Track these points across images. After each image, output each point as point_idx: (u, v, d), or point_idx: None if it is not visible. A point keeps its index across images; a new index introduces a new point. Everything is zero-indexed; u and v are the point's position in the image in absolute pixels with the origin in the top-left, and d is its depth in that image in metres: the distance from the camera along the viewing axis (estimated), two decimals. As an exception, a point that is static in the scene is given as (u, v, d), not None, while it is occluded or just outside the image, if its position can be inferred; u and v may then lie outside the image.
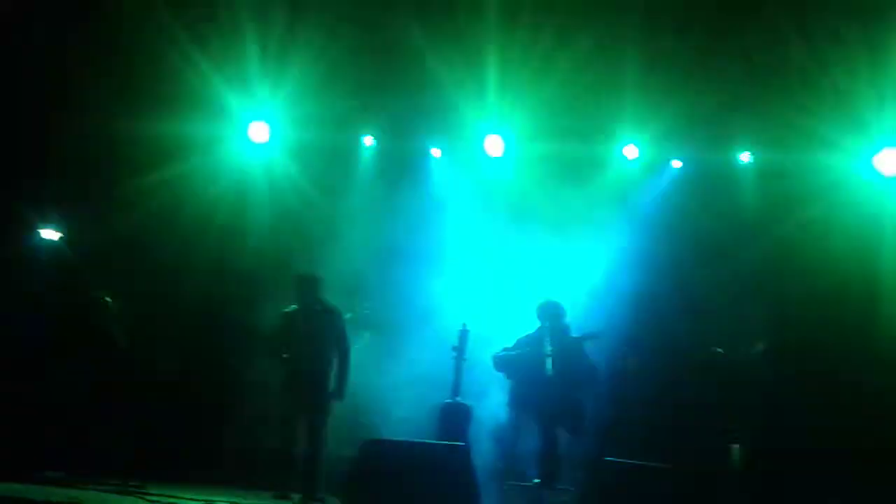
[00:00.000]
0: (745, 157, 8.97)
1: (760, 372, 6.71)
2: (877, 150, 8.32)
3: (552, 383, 6.49)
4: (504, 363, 7.05)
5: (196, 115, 8.62)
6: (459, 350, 7.08)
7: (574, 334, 7.09)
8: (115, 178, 8.62)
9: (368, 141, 9.43)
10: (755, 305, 6.86)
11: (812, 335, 6.95)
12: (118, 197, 8.60)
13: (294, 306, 7.02)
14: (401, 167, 9.36)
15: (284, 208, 8.86)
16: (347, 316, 8.18)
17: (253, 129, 9.03)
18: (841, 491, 7.21)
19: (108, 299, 6.95)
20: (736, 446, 6.71)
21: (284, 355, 6.81)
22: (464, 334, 7.14)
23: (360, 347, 8.29)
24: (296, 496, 6.63)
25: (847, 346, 7.78)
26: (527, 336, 7.10)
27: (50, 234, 8.75)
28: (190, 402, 8.05)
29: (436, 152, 9.46)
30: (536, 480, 6.57)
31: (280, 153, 9.16)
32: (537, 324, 7.12)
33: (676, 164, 9.16)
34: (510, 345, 7.14)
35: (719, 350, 7.04)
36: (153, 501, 4.32)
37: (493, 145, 9.05)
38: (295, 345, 6.84)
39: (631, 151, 9.00)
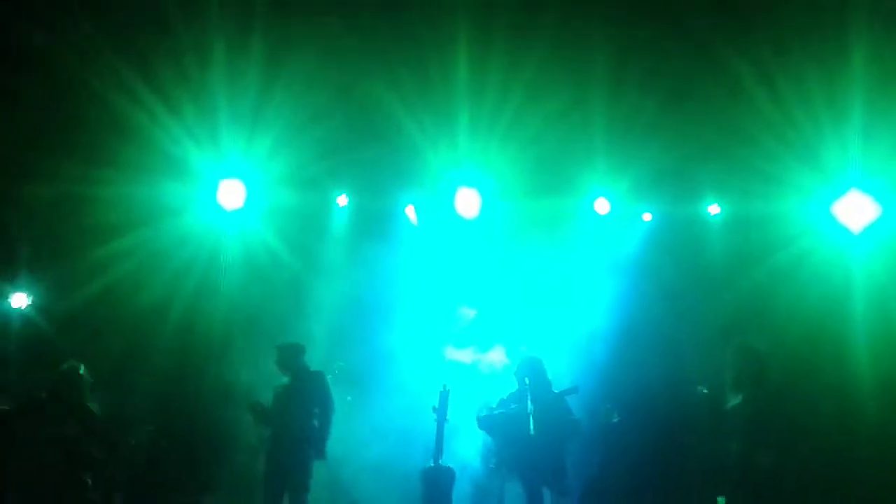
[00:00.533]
0: (713, 210, 9.15)
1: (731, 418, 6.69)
2: (839, 195, 8.55)
3: (535, 442, 6.42)
4: (488, 423, 6.99)
5: (165, 176, 8.53)
6: (440, 411, 7.00)
7: (555, 390, 7.05)
8: (82, 243, 8.46)
9: (342, 200, 9.45)
10: (730, 353, 6.84)
11: (784, 382, 6.96)
12: (86, 262, 8.42)
13: (286, 380, 7.01)
14: (375, 225, 9.37)
15: (256, 270, 8.78)
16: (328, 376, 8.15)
17: (223, 190, 8.99)
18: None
19: (81, 371, 6.75)
20: (722, 499, 6.65)
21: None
22: (444, 395, 7.08)
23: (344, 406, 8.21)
24: None
25: (819, 393, 7.87)
26: (509, 395, 7.06)
27: (19, 300, 8.55)
28: (169, 469, 7.84)
29: (410, 210, 9.50)
30: (524, 543, 6.47)
31: (252, 213, 9.11)
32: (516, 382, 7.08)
33: (647, 216, 9.32)
34: (493, 404, 7.08)
35: (704, 390, 7.01)
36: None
37: (467, 203, 9.15)
38: (283, 412, 6.80)
39: (602, 206, 9.14)
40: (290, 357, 7.01)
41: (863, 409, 7.95)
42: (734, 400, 6.63)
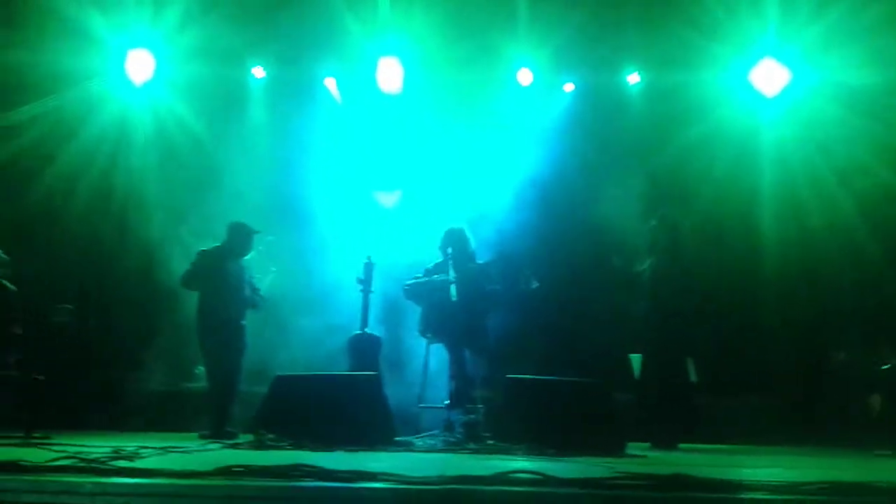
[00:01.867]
0: (633, 79, 9.20)
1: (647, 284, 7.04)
2: (754, 62, 8.68)
3: (457, 308, 6.64)
4: (414, 292, 7.17)
5: (68, 43, 8.09)
6: (365, 282, 7.13)
7: (479, 260, 7.24)
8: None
9: (259, 72, 9.16)
10: (647, 223, 7.14)
11: (698, 250, 7.31)
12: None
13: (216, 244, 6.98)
14: (294, 99, 9.16)
15: (169, 146, 8.49)
16: (251, 253, 8.15)
17: (132, 61, 8.62)
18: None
19: None
20: (637, 356, 7.08)
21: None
22: (369, 266, 7.18)
23: (268, 283, 8.26)
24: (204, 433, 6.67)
25: (730, 261, 8.29)
26: (434, 265, 7.22)
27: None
28: (90, 348, 7.86)
29: (330, 82, 9.29)
30: (447, 402, 6.78)
31: (162, 87, 8.78)
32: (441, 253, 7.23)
33: (569, 86, 9.33)
34: (419, 274, 7.24)
35: (618, 262, 7.34)
36: (60, 451, 4.23)
37: (389, 75, 8.99)
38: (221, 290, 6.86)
39: (525, 76, 9.10)
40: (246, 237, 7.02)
41: (766, 273, 8.43)
42: (646, 264, 7.02)
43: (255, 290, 7.22)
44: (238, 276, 7.04)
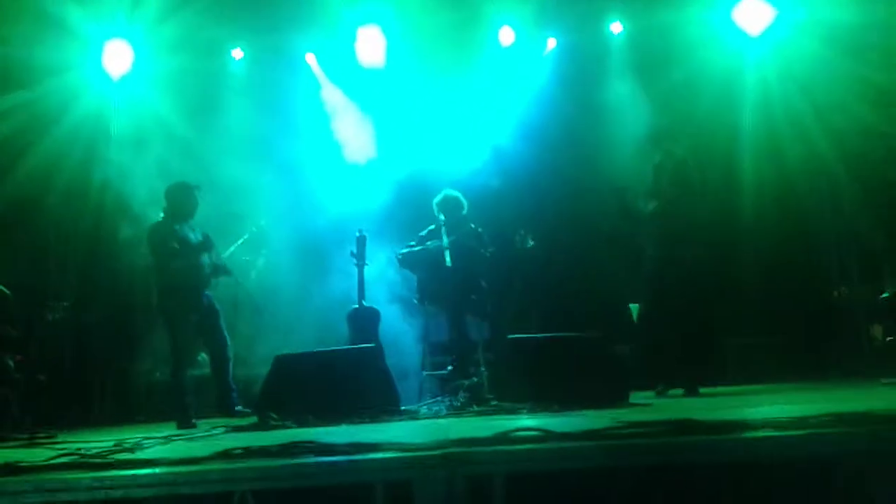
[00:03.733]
0: (616, 28, 9.06)
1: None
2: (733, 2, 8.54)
3: (453, 273, 6.59)
4: (408, 260, 7.12)
5: (43, 33, 7.96)
6: (359, 256, 7.07)
7: (473, 225, 7.17)
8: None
9: (237, 54, 9.04)
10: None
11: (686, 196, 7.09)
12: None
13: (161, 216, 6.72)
14: (275, 78, 9.04)
15: (148, 140, 8.28)
16: (244, 237, 8.09)
17: (109, 53, 8.50)
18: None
19: None
20: (634, 305, 7.01)
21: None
22: (361, 240, 7.12)
23: (259, 267, 8.23)
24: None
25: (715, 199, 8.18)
26: (427, 231, 7.16)
27: None
28: (89, 343, 7.83)
29: (310, 58, 9.16)
30: (450, 367, 6.76)
31: (140, 79, 8.66)
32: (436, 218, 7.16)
33: (551, 42, 9.20)
34: (412, 242, 7.18)
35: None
36: (62, 449, 4.21)
37: (369, 44, 8.86)
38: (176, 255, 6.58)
39: (507, 35, 8.96)
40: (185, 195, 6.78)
41: (748, 210, 8.35)
42: (651, 205, 6.79)
43: (218, 257, 6.94)
44: (193, 242, 6.68)
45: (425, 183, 7.88)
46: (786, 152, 8.32)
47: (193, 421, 6.46)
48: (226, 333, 6.77)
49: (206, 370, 7.00)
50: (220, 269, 6.88)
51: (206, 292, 6.73)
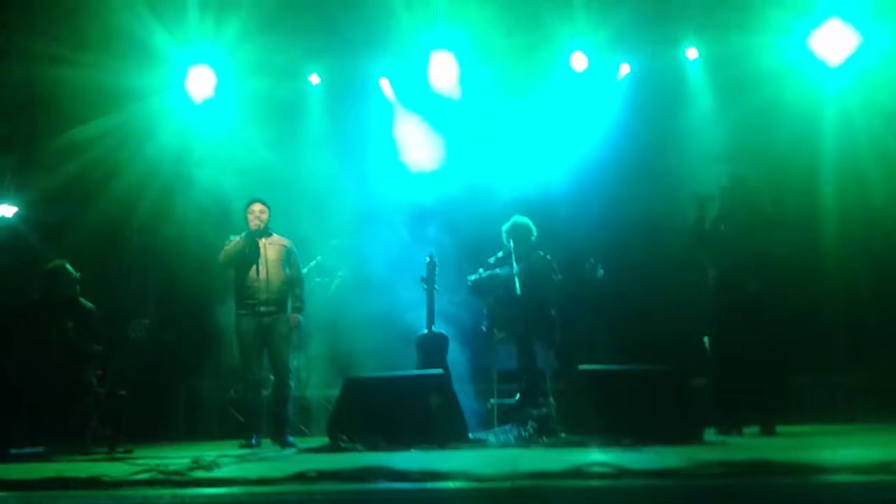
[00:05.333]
0: (691, 54, 8.96)
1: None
2: (813, 27, 8.36)
3: (522, 301, 6.56)
4: (478, 287, 7.11)
5: (132, 61, 8.30)
6: (429, 281, 7.10)
7: (542, 253, 7.13)
8: (38, 131, 8.29)
9: (314, 79, 9.26)
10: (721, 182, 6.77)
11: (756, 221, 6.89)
12: (43, 153, 8.26)
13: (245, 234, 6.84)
14: (349, 101, 9.23)
15: (230, 161, 8.52)
16: (318, 258, 8.22)
17: (193, 78, 8.83)
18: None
19: (68, 267, 6.80)
20: (706, 337, 6.83)
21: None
22: (431, 265, 7.15)
23: (335, 287, 8.34)
24: (265, 440, 6.72)
25: (790, 228, 7.94)
26: (496, 258, 7.15)
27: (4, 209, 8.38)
28: (160, 361, 8.04)
29: (384, 83, 9.33)
30: (518, 396, 6.72)
31: (223, 103, 8.95)
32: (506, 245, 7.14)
33: (625, 67, 9.15)
34: (481, 269, 7.18)
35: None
36: (141, 465, 4.33)
37: (442, 69, 8.97)
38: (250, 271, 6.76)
39: (579, 61, 8.95)
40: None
41: (829, 242, 8.09)
42: (720, 228, 6.58)
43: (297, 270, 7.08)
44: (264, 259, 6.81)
45: (495, 208, 7.90)
46: (870, 183, 8.07)
47: (257, 440, 6.59)
48: (288, 362, 6.84)
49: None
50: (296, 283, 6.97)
51: (279, 313, 6.82)
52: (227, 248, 6.85)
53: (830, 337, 8.06)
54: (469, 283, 7.17)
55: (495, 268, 7.08)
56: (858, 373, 7.74)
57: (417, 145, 9.11)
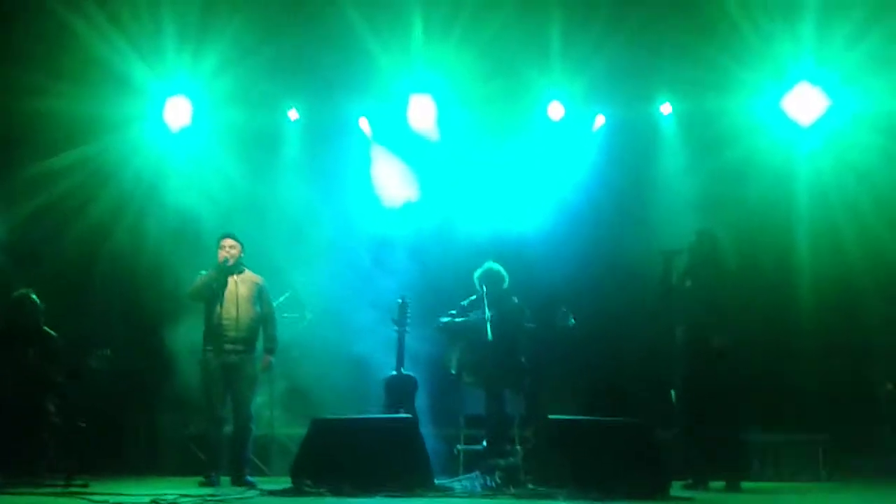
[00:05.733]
0: (665, 109, 9.13)
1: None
2: (788, 88, 8.59)
3: (493, 347, 6.56)
4: (449, 329, 7.09)
5: (109, 91, 8.27)
6: (400, 322, 7.07)
7: (515, 299, 7.13)
8: (12, 161, 8.18)
9: (293, 115, 9.27)
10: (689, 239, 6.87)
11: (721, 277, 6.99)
12: (18, 182, 8.15)
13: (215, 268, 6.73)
14: (328, 139, 9.24)
15: (206, 190, 8.43)
16: (288, 293, 8.15)
17: (170, 108, 8.80)
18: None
19: (33, 296, 6.69)
20: (672, 391, 6.88)
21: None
22: (403, 306, 7.13)
23: (302, 326, 8.26)
24: (224, 478, 6.59)
25: (765, 291, 8.09)
26: (469, 301, 7.14)
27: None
28: (121, 393, 7.89)
29: (363, 122, 9.37)
30: (485, 443, 6.68)
31: (199, 132, 8.92)
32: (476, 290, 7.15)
33: (600, 119, 9.29)
34: (453, 311, 7.16)
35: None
36: (100, 502, 4.22)
37: (421, 112, 9.05)
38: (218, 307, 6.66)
39: (556, 111, 9.08)
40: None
41: (803, 300, 8.24)
42: (686, 283, 6.67)
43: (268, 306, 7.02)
44: (233, 294, 6.76)
45: (468, 249, 7.95)
46: (843, 241, 8.24)
47: (217, 478, 6.46)
48: (250, 405, 6.74)
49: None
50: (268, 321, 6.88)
51: (246, 353, 6.73)
52: (196, 282, 6.76)
53: (798, 395, 8.14)
54: (440, 324, 7.15)
55: (468, 311, 7.07)
56: (824, 431, 7.82)
57: (394, 182, 9.14)
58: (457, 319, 7.07)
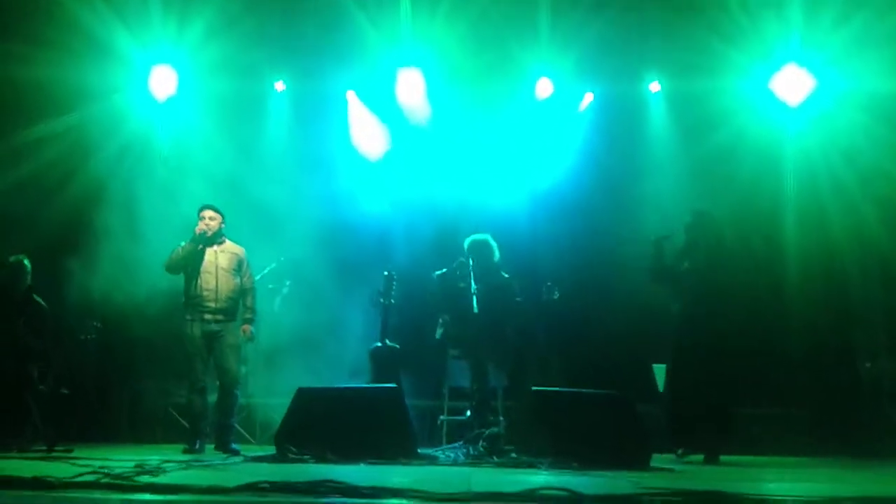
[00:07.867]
0: (654, 87, 9.14)
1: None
2: (777, 69, 8.62)
3: (479, 320, 6.57)
4: (444, 281, 7.02)
5: (93, 60, 8.17)
6: (385, 295, 7.08)
7: (504, 272, 7.13)
8: (6, 126, 8.08)
9: (280, 86, 9.20)
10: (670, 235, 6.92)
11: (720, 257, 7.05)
12: (12, 145, 8.07)
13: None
14: (315, 112, 9.19)
15: (192, 161, 8.42)
16: (271, 265, 8.14)
17: (155, 78, 8.72)
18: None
19: (26, 262, 6.66)
20: (661, 366, 6.95)
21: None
22: (389, 279, 7.14)
23: (282, 297, 8.27)
24: (208, 446, 6.63)
25: (752, 264, 8.16)
26: (458, 262, 7.03)
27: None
28: (106, 360, 7.88)
29: (351, 95, 9.32)
30: (468, 413, 6.73)
31: (185, 102, 8.84)
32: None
33: (588, 96, 9.29)
34: (444, 269, 7.10)
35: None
36: (84, 466, 4.23)
37: (409, 86, 9.01)
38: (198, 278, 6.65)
39: (544, 87, 9.07)
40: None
41: (788, 280, 8.33)
42: (683, 264, 6.70)
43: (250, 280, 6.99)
44: (216, 264, 6.75)
45: (456, 224, 7.94)
46: (830, 220, 8.32)
47: (200, 445, 6.48)
48: (235, 372, 6.75)
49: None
50: (247, 292, 6.87)
51: (227, 322, 6.73)
52: (173, 253, 6.74)
53: (786, 371, 8.24)
54: (436, 276, 7.10)
55: (457, 271, 7.01)
56: (806, 407, 7.94)
57: (375, 141, 9.11)
58: (455, 267, 6.98)
